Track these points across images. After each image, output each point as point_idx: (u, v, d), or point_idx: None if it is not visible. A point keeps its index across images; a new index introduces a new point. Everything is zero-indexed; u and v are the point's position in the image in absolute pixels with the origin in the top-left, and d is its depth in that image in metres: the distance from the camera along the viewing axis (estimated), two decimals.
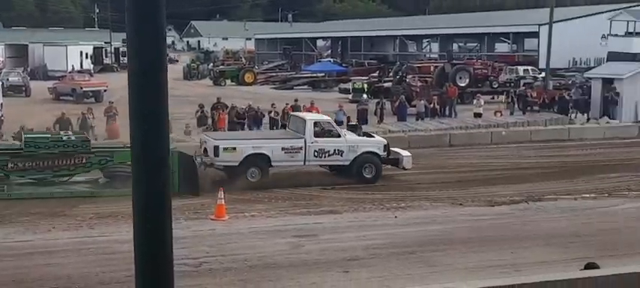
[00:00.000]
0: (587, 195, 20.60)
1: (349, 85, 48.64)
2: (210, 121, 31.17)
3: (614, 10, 56.01)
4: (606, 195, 20.64)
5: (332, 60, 74.50)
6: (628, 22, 49.31)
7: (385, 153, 22.71)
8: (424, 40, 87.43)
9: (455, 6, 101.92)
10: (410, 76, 43.91)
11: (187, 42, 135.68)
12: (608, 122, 34.69)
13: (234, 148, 21.56)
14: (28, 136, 21.60)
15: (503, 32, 74.81)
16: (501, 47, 76.50)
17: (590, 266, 10.29)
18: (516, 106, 38.91)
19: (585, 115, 36.32)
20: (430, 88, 41.45)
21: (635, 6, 62.85)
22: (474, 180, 22.76)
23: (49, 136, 21.94)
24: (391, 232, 16.43)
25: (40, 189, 20.05)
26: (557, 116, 36.14)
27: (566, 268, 12.64)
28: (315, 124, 22.47)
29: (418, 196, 20.31)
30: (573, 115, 36.12)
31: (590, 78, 39.29)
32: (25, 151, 20.34)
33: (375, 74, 56.06)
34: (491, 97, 43.47)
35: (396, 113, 35.64)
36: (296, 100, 34.17)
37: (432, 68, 49.60)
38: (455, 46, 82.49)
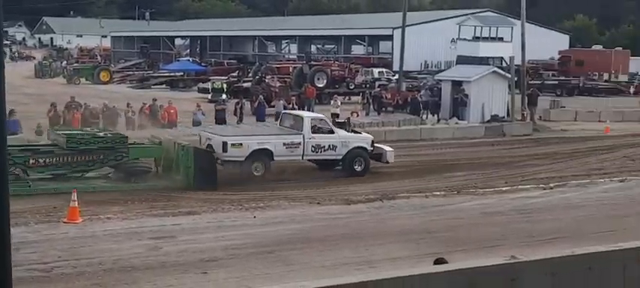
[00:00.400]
0: (438, 193, 21.43)
1: (208, 85, 48.31)
2: (62, 120, 30.10)
3: (463, 15, 58.57)
4: (455, 193, 21.55)
5: (191, 59, 73.79)
6: (475, 27, 51.71)
7: (372, 148, 24.42)
8: (283, 41, 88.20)
9: (313, 8, 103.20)
10: (269, 77, 44.19)
11: (39, 39, 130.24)
12: (457, 123, 36.25)
13: (241, 144, 22.76)
14: (70, 133, 22.35)
15: (359, 35, 76.64)
16: (357, 49, 78.38)
17: (439, 261, 10.76)
18: (371, 106, 39.96)
19: (436, 115, 37.77)
20: (289, 88, 41.90)
21: (481, 12, 66.08)
22: (331, 179, 23.20)
23: (90, 133, 22.58)
24: (250, 232, 16.48)
25: (64, 184, 20.19)
26: (410, 117, 37.40)
27: (418, 263, 13.15)
28: (312, 120, 24.30)
29: (277, 196, 20.48)
30: (425, 116, 37.49)
31: (441, 80, 40.89)
32: (67, 147, 21.08)
33: (235, 74, 55.96)
34: (346, 97, 44.30)
35: (255, 113, 35.75)
36: (154, 100, 33.58)
37: (290, 69, 50.20)
38: (313, 47, 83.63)
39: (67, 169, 21.21)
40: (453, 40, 56.51)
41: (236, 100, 36.63)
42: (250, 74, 51.74)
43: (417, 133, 33.51)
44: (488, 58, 47.81)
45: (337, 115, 36.15)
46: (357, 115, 37.37)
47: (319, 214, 18.46)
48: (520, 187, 22.59)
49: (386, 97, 40.79)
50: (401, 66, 45.02)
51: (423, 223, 17.81)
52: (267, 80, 42.62)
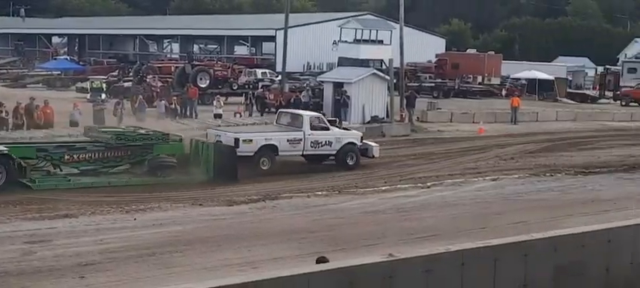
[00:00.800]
0: (320, 193, 21.75)
1: (87, 85, 46.94)
2: None
3: (344, 18, 59.51)
4: (337, 192, 21.92)
5: (69, 58, 71.57)
6: (356, 30, 52.73)
7: (361, 143, 26.43)
8: (165, 41, 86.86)
9: (195, 7, 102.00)
10: (150, 77, 43.42)
11: None
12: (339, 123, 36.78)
13: (251, 140, 24.55)
14: (117, 130, 24.36)
15: (242, 35, 76.47)
16: (241, 50, 78.17)
17: (321, 260, 10.94)
18: (255, 107, 39.97)
19: None
20: (170, 88, 41.32)
21: (362, 15, 67.28)
22: (214, 180, 23.06)
23: (134, 130, 24.22)
24: (130, 235, 16.22)
25: (99, 179, 22.00)
26: None
27: (300, 263, 13.32)
28: (311, 119, 26.23)
29: (157, 198, 20.20)
30: None
31: (323, 81, 41.35)
32: (116, 143, 22.67)
33: (114, 74, 54.68)
34: (226, 98, 44.02)
35: (135, 114, 35.06)
36: (32, 99, 32.34)
37: (172, 68, 49.44)
38: (195, 47, 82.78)
39: (97, 165, 22.49)
40: (334, 42, 57.37)
41: (116, 100, 35.79)
42: (131, 74, 50.76)
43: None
44: (368, 60, 48.88)
45: (220, 116, 36.03)
46: (240, 116, 37.32)
47: (201, 216, 18.36)
48: (399, 186, 23.22)
49: (269, 98, 40.89)
50: (284, 67, 45.23)
51: (305, 222, 18.03)
52: (148, 80, 41.88)
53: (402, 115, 38.36)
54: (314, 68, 65.69)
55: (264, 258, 14.63)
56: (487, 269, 10.68)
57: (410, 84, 50.05)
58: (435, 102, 47.06)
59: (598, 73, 68.95)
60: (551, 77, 61.42)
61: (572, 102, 56.45)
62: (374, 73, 39.00)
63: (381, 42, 51.23)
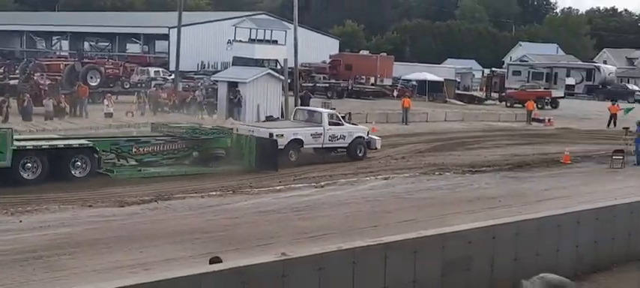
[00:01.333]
0: (214, 193, 21.59)
1: None
2: None
3: (238, 17, 59.28)
4: (231, 192, 21.82)
5: None
6: (250, 29, 52.63)
7: (367, 137, 29.50)
8: (54, 37, 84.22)
9: (86, 4, 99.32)
10: (38, 74, 41.95)
11: None
12: (233, 123, 36.64)
13: (283, 135, 27.00)
14: (191, 126, 27.99)
15: (134, 33, 75.04)
16: (133, 48, 76.69)
17: (214, 261, 10.90)
18: (147, 106, 39.30)
19: (213, 116, 37.92)
20: (60, 86, 40.10)
21: (256, 15, 67.25)
22: (101, 181, 22.53)
23: (202, 126, 28.22)
24: (16, 238, 15.66)
25: (162, 169, 24.47)
26: (187, 117, 37.23)
27: (193, 264, 13.21)
28: (329, 115, 29.01)
29: (46, 199, 19.59)
30: (201, 116, 37.52)
31: (217, 81, 41.11)
32: (191, 137, 25.93)
33: (0, 71, 52.61)
34: (116, 97, 43.12)
35: (22, 113, 33.85)
36: None
37: (61, 66, 47.99)
38: (86, 44, 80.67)
39: (158, 157, 24.83)
40: (229, 42, 57.12)
41: (1, 99, 34.42)
42: (17, 71, 49.01)
43: None
44: (263, 60, 48.88)
45: (111, 115, 35.24)
46: (132, 115, 36.60)
47: (91, 217, 17.93)
48: (293, 185, 23.34)
49: (162, 97, 40.31)
50: (177, 66, 44.71)
51: (198, 223, 17.88)
52: (35, 78, 40.44)
53: None
54: (208, 67, 65.23)
55: (156, 259, 14.42)
56: (378, 266, 10.93)
57: (304, 84, 50.47)
58: (328, 102, 47.53)
59: (485, 75, 71.38)
60: (441, 79, 63.18)
61: (461, 103, 58.23)
62: (269, 73, 39.08)
63: (275, 42, 51.34)
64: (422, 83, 62.28)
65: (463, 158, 30.28)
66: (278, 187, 22.91)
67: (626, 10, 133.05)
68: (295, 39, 39.72)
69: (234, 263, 9.97)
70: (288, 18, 54.44)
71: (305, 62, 58.83)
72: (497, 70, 71.31)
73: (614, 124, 42.89)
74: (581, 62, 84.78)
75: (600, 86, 72.50)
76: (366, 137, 29.46)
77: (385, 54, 73.89)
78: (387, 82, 64.90)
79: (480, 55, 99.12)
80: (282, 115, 37.58)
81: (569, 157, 30.30)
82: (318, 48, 71.28)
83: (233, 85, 37.79)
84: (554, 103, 56.97)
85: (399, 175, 25.88)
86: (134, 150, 24.38)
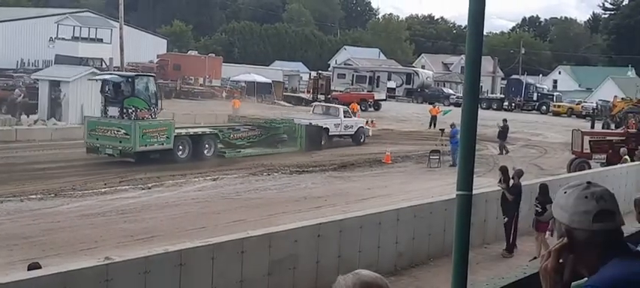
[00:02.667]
0: (34, 196, 20.74)
1: None
2: None
3: (61, 14, 57.08)
4: (53, 195, 21.04)
5: None
6: (74, 27, 50.86)
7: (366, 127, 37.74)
8: None
9: None
10: None
11: None
12: (55, 124, 35.27)
13: (318, 124, 34.66)
14: (269, 119, 35.27)
15: None
16: None
17: (33, 267, 10.51)
18: None
19: (33, 116, 36.33)
20: None
21: (80, 12, 65.01)
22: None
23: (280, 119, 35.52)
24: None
25: (250, 150, 31.76)
26: (4, 117, 35.47)
27: (10, 271, 12.65)
28: (343, 110, 37.27)
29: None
30: (20, 117, 35.86)
31: (38, 80, 39.38)
32: (268, 127, 33.49)
33: None
34: None
35: None
36: None
37: None
38: None
39: (244, 142, 32.38)
40: (51, 39, 54.84)
41: None
42: None
43: (12, 135, 31.97)
44: (87, 58, 47.41)
45: None
46: None
47: None
48: (119, 188, 22.86)
49: None
50: None
51: (17, 228, 17.12)
52: None
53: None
54: (28, 65, 62.18)
55: None
56: (206, 267, 10.98)
57: None
58: None
59: (311, 77, 72.82)
60: (269, 80, 63.93)
61: (289, 104, 59.22)
62: (93, 72, 37.90)
63: (100, 40, 50.00)
64: (251, 84, 62.72)
65: (291, 159, 30.85)
66: (103, 190, 22.35)
67: (442, 17, 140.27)
68: (121, 38, 38.89)
69: (55, 269, 9.68)
70: (113, 16, 53.03)
71: (132, 62, 57.54)
72: (323, 72, 73.04)
73: (435, 126, 45.22)
74: (401, 67, 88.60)
75: (419, 90, 76.15)
76: (365, 127, 37.34)
77: (214, 55, 73.72)
78: (216, 83, 64.81)
79: (307, 58, 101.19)
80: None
81: (390, 157, 31.66)
82: (146, 47, 69.94)
83: (55, 85, 36.33)
84: (376, 105, 59.24)
85: (227, 176, 25.99)
86: (232, 135, 31.87)
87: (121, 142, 27.32)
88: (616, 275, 2.45)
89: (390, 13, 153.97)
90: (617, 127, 38.81)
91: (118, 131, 27.43)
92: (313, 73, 71.16)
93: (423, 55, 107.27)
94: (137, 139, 27.12)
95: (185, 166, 27.46)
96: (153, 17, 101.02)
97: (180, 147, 28.62)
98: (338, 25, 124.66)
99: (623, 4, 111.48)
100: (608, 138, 30.97)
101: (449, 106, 59.31)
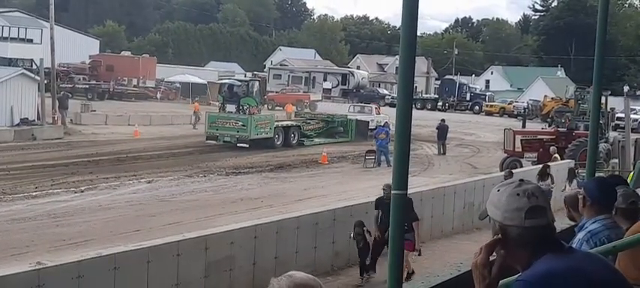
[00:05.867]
0: None
1: None
2: None
3: None
4: None
5: None
6: (3, 27, 49.59)
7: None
8: None
9: None
10: None
11: None
12: None
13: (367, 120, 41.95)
14: (329, 114, 43.15)
15: None
16: None
17: None
18: None
19: None
20: None
21: (9, 12, 63.40)
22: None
23: (338, 115, 42.51)
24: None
25: (318, 139, 38.29)
26: None
27: None
28: (374, 108, 45.66)
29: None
30: None
31: None
32: (329, 121, 40.55)
33: None
34: None
35: None
36: None
37: None
38: None
39: (313, 133, 38.60)
40: None
41: None
42: None
43: None
44: (17, 59, 46.28)
45: None
46: None
47: None
48: (51, 191, 22.38)
49: None
50: None
51: None
52: None
53: (54, 117, 36.97)
54: None
55: None
56: (140, 271, 10.84)
57: (63, 85, 48.41)
58: (89, 104, 46.02)
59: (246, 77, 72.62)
60: (205, 81, 63.43)
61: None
62: (23, 73, 37.07)
63: (30, 41, 48.88)
64: (186, 85, 62.11)
65: (227, 161, 30.70)
66: (34, 193, 21.83)
67: (376, 18, 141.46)
68: (51, 38, 38.05)
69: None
70: (44, 16, 51.88)
71: (63, 62, 56.40)
72: (259, 73, 72.91)
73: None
74: (336, 67, 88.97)
75: (354, 90, 76.59)
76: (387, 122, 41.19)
77: (147, 55, 72.76)
78: (150, 83, 64.00)
79: (242, 59, 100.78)
80: (38, 118, 35.80)
81: (327, 158, 31.78)
82: (78, 48, 68.53)
83: None
84: (312, 105, 59.39)
85: (163, 178, 25.70)
86: (305, 127, 38.16)
87: (238, 132, 34.14)
88: (550, 270, 2.51)
89: (325, 14, 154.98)
90: (549, 126, 39.79)
91: (236, 123, 34.37)
92: (249, 74, 70.94)
93: (358, 55, 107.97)
94: (252, 130, 34.06)
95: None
96: (85, 17, 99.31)
97: (277, 136, 35.61)
98: (273, 26, 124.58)
99: (553, 5, 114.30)
100: (539, 137, 31.73)
101: (384, 106, 59.74)
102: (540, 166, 21.48)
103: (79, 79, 57.76)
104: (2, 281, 9.04)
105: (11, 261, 13.91)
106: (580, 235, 4.51)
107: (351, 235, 14.05)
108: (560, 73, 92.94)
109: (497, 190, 2.67)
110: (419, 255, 13.97)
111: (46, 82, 37.38)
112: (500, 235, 2.62)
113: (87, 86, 56.51)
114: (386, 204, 13.65)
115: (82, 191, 22.64)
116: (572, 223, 5.16)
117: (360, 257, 13.96)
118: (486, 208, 2.72)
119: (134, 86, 62.11)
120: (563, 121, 34.23)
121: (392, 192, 4.50)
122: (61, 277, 9.73)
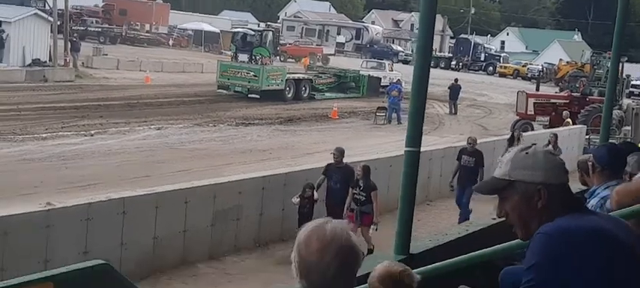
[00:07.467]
0: None
1: None
2: None
3: None
4: None
5: None
6: None
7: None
8: None
9: None
10: None
11: None
12: None
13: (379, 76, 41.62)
14: (341, 68, 43.54)
15: None
16: None
17: None
18: None
19: None
20: None
21: None
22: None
23: (351, 70, 42.60)
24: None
25: (329, 94, 38.25)
26: None
27: None
28: (388, 64, 44.92)
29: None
30: None
31: None
32: (341, 76, 40.67)
33: None
34: None
35: None
36: None
37: None
38: None
39: (324, 87, 38.56)
40: None
41: None
42: None
43: None
44: None
45: None
46: None
47: None
48: (61, 133, 22.42)
49: None
50: None
51: None
52: None
53: (66, 59, 36.93)
54: None
55: None
56: (149, 216, 10.89)
57: (75, 27, 48.26)
58: (100, 48, 45.93)
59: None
60: (218, 30, 63.15)
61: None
62: (36, 14, 36.94)
63: None
64: (198, 33, 61.89)
65: (237, 111, 30.65)
66: (44, 135, 21.89)
67: None
68: None
69: None
70: None
71: (75, 5, 56.17)
72: (273, 24, 72.58)
73: None
74: (351, 22, 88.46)
75: (368, 45, 76.21)
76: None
77: (161, 1, 72.43)
78: (163, 30, 63.80)
79: (256, 8, 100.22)
80: (50, 59, 35.78)
81: (337, 113, 31.69)
82: None
83: None
84: (325, 59, 59.14)
85: (172, 125, 25.70)
86: (316, 81, 38.01)
87: (249, 82, 33.91)
88: (571, 226, 2.47)
89: None
90: (561, 91, 39.53)
91: (247, 73, 33.97)
92: (262, 25, 70.63)
93: (373, 10, 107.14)
94: (263, 80, 33.71)
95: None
96: None
97: (288, 88, 35.28)
98: None
99: None
100: (552, 101, 31.52)
101: (397, 63, 59.42)
102: (548, 130, 21.32)
103: (92, 22, 57.59)
104: (13, 220, 9.08)
105: (20, 200, 13.97)
106: (593, 202, 4.46)
107: (297, 199, 12.50)
108: (577, 37, 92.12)
109: (525, 153, 2.60)
110: (376, 230, 12.26)
111: (58, 23, 37.28)
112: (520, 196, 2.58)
113: (99, 30, 56.35)
114: (335, 170, 12.81)
115: (92, 135, 22.67)
116: (584, 188, 5.12)
117: (300, 224, 10.95)
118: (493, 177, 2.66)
119: (147, 32, 61.98)
120: (577, 85, 33.99)
121: (405, 149, 4.46)
122: (70, 219, 9.77)
